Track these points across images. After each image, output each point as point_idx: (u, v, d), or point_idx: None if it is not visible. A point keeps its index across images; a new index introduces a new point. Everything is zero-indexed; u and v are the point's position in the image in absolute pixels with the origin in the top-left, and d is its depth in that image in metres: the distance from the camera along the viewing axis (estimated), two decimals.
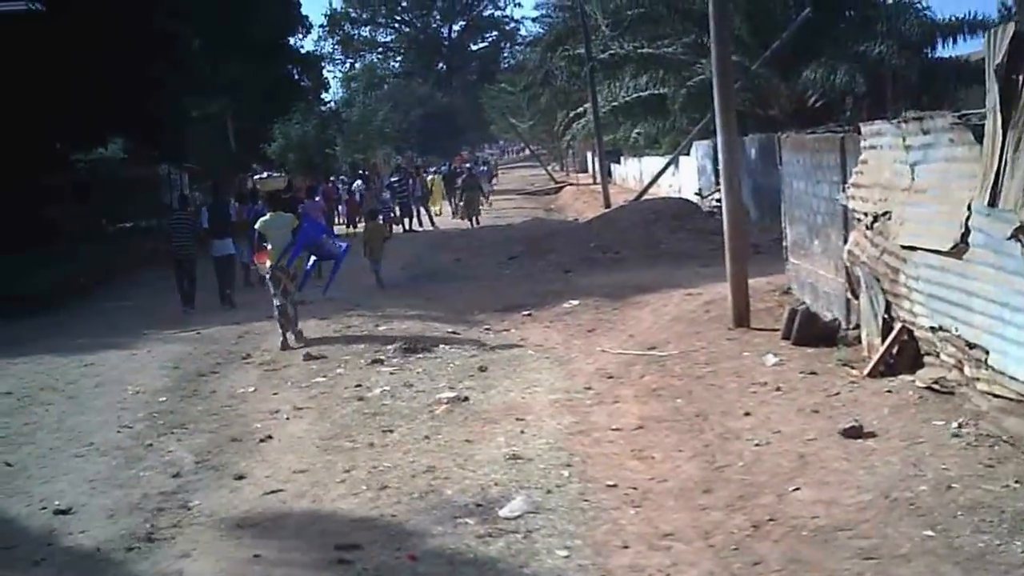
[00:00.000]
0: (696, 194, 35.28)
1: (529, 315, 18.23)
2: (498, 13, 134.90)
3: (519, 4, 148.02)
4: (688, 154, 37.86)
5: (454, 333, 16.92)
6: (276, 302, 17.24)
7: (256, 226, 18.14)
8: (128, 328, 20.51)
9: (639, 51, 37.53)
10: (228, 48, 66.29)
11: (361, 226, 36.93)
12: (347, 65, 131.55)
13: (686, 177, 38.96)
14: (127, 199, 41.15)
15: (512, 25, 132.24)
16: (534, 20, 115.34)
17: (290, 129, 59.22)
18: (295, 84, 66.63)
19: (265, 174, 32.37)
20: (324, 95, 74.77)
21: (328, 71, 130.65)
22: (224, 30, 64.72)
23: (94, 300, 26.62)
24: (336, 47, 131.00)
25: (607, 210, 36.44)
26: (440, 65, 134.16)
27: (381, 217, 29.70)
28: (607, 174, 46.32)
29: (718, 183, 26.22)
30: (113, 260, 32.86)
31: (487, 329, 17.25)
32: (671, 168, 39.81)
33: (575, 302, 18.92)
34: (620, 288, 19.92)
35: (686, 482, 8.85)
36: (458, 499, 8.89)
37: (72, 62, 29.49)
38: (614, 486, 8.92)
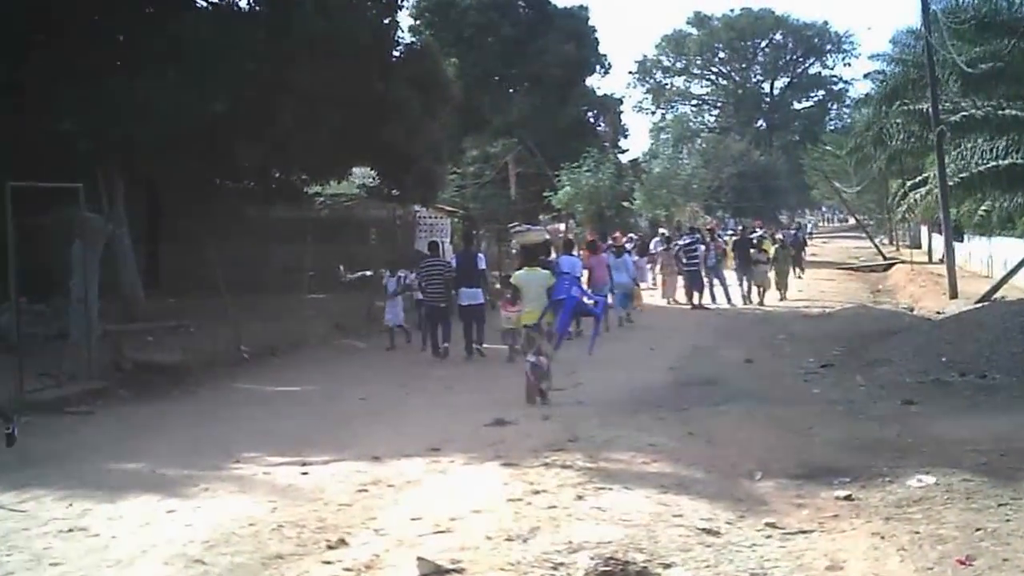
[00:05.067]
0: None
1: (847, 497, 10.22)
2: (825, 72, 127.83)
3: (848, 64, 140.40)
4: None
5: (708, 532, 9.14)
6: (530, 359, 16.47)
7: (511, 280, 18.33)
8: (221, 444, 13.96)
9: (998, 112, 31.02)
10: (512, 82, 62.54)
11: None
12: (657, 115, 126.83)
13: None
14: (373, 243, 36.54)
15: (840, 85, 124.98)
16: (866, 76, 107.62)
17: (580, 176, 52.91)
18: (589, 128, 61.55)
19: (525, 227, 27.85)
20: (622, 142, 69.04)
21: (634, 118, 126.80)
22: (506, 62, 61.07)
23: (251, 376, 21.21)
24: (646, 96, 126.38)
25: (963, 308, 27.79)
26: (759, 122, 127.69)
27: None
28: (945, 254, 37.30)
29: None
30: (319, 318, 27.22)
31: (769, 525, 9.36)
32: None
33: (928, 478, 10.61)
34: (1003, 449, 11.70)
35: None
36: None
37: (302, 75, 25.16)
38: None
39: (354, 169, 36.66)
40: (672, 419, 14.58)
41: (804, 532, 9.23)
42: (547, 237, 28.09)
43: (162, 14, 24.70)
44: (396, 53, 31.35)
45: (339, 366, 22.09)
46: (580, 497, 10.33)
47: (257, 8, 27.76)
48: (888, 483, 10.66)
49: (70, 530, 9.91)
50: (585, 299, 18.20)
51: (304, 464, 12.43)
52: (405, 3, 30.28)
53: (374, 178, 35.91)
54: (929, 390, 16.26)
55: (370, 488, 11.17)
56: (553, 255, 26.39)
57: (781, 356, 21.66)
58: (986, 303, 26.51)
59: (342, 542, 9.21)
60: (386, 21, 30.40)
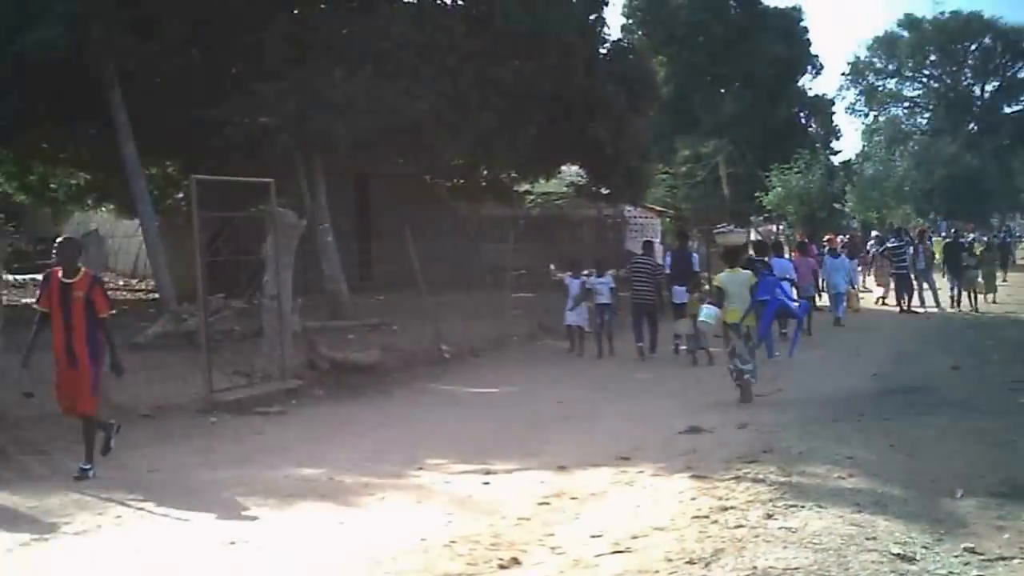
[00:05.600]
0: None
1: None
2: None
3: None
4: None
5: (903, 558, 7.68)
6: (731, 364, 16.02)
7: (715, 281, 17.64)
8: (407, 449, 12.88)
9: None
10: (722, 82, 60.79)
11: None
12: (869, 117, 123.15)
13: None
14: (585, 243, 35.77)
15: None
16: None
17: (791, 177, 51.08)
18: (800, 128, 59.67)
19: (727, 227, 26.72)
20: (833, 143, 66.58)
21: (847, 121, 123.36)
22: (716, 61, 59.44)
23: (449, 376, 19.96)
24: (858, 97, 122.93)
25: None
26: (970, 125, 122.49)
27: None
28: None
29: None
30: (523, 317, 25.95)
31: (968, 550, 7.85)
32: None
33: None
34: None
35: None
36: None
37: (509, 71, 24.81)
38: None
39: (563, 168, 35.61)
40: (873, 429, 13.07)
41: (1004, 559, 7.81)
42: (757, 236, 26.88)
43: (362, 8, 23.99)
44: (602, 50, 30.19)
45: (539, 367, 20.86)
46: (770, 516, 8.98)
47: (459, 2, 26.82)
48: None
49: (232, 543, 8.89)
50: (788, 301, 17.60)
51: (487, 472, 11.34)
52: None
53: (582, 176, 34.72)
54: None
55: (552, 501, 10.03)
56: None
57: (989, 363, 19.56)
58: None
59: (515, 561, 8.11)
60: (592, 17, 29.22)
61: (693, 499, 9.70)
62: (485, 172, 32.77)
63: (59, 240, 12.02)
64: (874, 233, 49.73)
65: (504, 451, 12.52)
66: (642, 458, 11.75)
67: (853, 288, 30.31)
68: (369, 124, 21.67)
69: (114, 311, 11.72)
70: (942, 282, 32.64)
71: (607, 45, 30.90)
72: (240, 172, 17.97)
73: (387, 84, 21.74)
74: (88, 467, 11.34)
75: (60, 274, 11.42)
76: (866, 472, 10.56)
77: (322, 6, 24.25)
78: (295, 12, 23.35)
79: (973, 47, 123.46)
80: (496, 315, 25.14)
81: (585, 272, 22.66)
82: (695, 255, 24.12)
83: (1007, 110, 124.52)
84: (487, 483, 10.88)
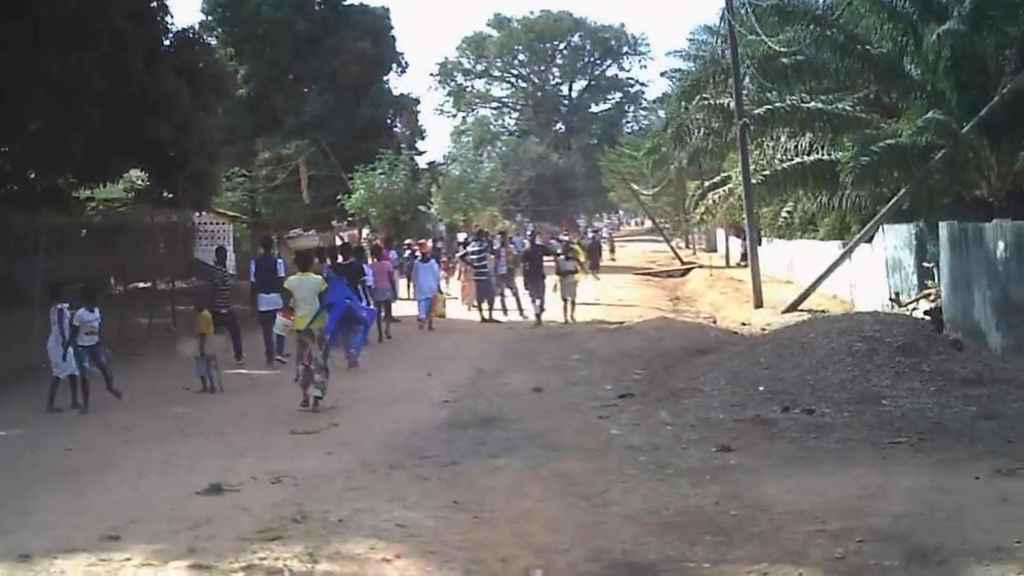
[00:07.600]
0: (892, 300, 25.23)
1: None
2: (622, 75, 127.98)
3: (644, 66, 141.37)
4: (869, 241, 27.29)
5: None
6: (299, 365, 16.47)
7: (285, 284, 18.09)
8: None
9: (803, 105, 29.36)
10: (306, 81, 59.75)
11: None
12: (458, 118, 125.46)
13: (865, 273, 28.16)
14: (151, 251, 33.05)
15: (637, 88, 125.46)
16: (662, 75, 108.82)
17: (374, 179, 50.45)
18: (386, 128, 59.52)
19: (295, 232, 26.06)
20: (420, 144, 66.71)
21: (436, 121, 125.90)
22: (300, 60, 58.33)
23: None
24: (447, 98, 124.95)
25: (771, 319, 26.31)
26: (558, 125, 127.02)
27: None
28: (750, 258, 34.16)
29: (924, 286, 23.97)
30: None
31: None
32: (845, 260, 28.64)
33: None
34: (857, 531, 8.99)
35: None
36: None
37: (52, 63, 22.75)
38: None
39: (133, 172, 33.38)
40: (436, 479, 11.62)
41: None
42: (343, 240, 26.48)
43: None
44: (166, 42, 28.47)
45: (68, 399, 17.41)
46: None
47: None
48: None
49: None
50: (357, 305, 19.03)
51: None
52: None
53: (143, 180, 32.61)
54: (748, 431, 13.38)
55: None
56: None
57: (574, 383, 18.48)
58: (804, 316, 24.52)
59: None
60: (152, 4, 27.40)
61: None
62: (34, 176, 30.22)
63: None
64: (461, 236, 49.81)
65: None
66: (137, 535, 9.61)
67: (440, 293, 30.14)
68: None
69: None
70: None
71: (170, 37, 29.14)
72: None
73: None
74: None
75: None
76: (418, 549, 9.12)
77: None
78: None
79: (562, 46, 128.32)
80: (31, 339, 22.35)
81: (65, 304, 17.67)
82: (280, 261, 23.65)
83: (595, 109, 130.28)
84: None
